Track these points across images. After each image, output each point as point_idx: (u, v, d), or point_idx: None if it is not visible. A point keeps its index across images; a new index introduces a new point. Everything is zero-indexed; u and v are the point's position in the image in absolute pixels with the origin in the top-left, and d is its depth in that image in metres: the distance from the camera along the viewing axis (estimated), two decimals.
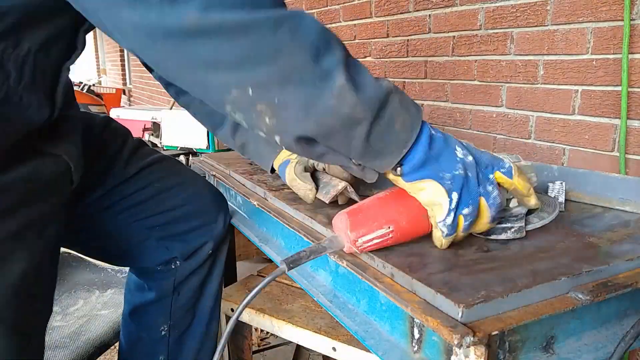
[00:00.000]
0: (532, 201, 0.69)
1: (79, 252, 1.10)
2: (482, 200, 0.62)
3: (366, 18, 2.31)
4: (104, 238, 0.98)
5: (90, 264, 1.45)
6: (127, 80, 7.89)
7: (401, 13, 2.07)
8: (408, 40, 2.05)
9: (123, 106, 6.10)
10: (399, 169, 0.61)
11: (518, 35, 1.57)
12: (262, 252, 1.00)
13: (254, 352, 1.68)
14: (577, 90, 1.41)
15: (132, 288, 1.05)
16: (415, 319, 0.57)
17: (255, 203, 0.97)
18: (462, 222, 0.62)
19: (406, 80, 2.10)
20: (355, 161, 0.62)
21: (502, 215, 0.68)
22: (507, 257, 0.63)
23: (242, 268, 1.65)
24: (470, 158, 0.62)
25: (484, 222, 0.64)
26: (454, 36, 1.81)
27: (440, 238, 0.63)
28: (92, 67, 10.16)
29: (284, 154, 0.94)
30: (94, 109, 5.36)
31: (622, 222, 0.78)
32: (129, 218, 0.96)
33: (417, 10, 1.98)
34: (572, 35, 1.41)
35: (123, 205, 0.95)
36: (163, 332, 1.01)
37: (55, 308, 1.22)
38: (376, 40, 2.26)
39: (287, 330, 1.06)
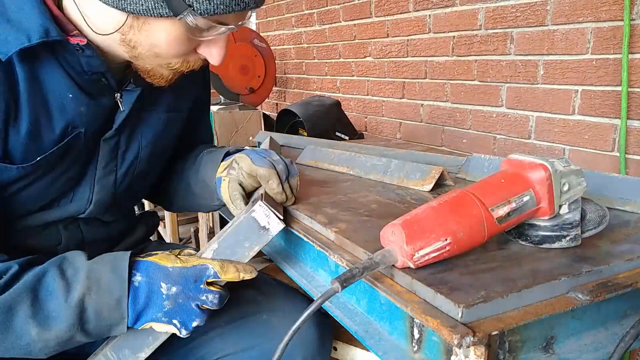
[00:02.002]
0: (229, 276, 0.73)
1: None
2: (205, 305, 0.72)
3: (366, 18, 2.31)
4: None
5: None
6: None
7: (401, 13, 2.07)
8: (408, 40, 2.05)
9: None
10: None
11: (518, 35, 1.57)
12: (262, 252, 1.00)
13: None
14: (577, 90, 1.41)
15: None
16: (415, 319, 0.57)
17: None
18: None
19: (406, 80, 2.10)
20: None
21: (554, 223, 0.66)
22: (507, 257, 0.63)
23: None
24: (174, 289, 0.70)
25: None
26: (454, 36, 1.81)
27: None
28: None
29: (220, 169, 0.89)
30: None
31: (622, 222, 0.78)
32: None
33: (417, 10, 1.98)
34: (572, 35, 1.41)
35: None
36: None
37: None
38: (376, 40, 2.26)
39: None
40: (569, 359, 0.59)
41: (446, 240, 0.58)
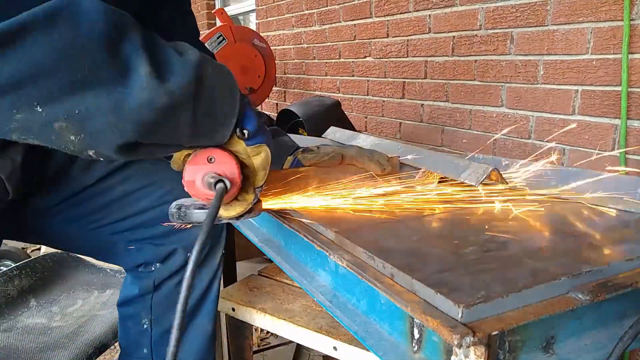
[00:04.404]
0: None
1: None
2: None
3: (366, 18, 2.31)
4: (66, 242, 0.97)
5: (88, 264, 1.45)
6: None
7: (401, 13, 2.07)
8: (408, 40, 2.05)
9: None
10: (245, 131, 0.59)
11: (518, 35, 1.57)
12: (262, 252, 1.00)
13: (254, 352, 1.68)
14: (577, 90, 1.41)
15: (127, 279, 1.06)
16: (415, 319, 0.57)
17: None
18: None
19: (406, 80, 2.10)
20: (186, 145, 0.57)
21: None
22: (507, 257, 0.63)
23: (242, 268, 1.65)
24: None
25: None
26: (454, 36, 1.81)
27: (249, 203, 0.63)
28: None
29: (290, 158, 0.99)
30: None
31: (621, 222, 0.78)
32: (87, 225, 0.93)
33: (417, 10, 1.98)
34: (572, 35, 1.40)
35: (76, 213, 0.91)
36: (145, 326, 1.01)
37: (53, 308, 1.23)
38: (376, 40, 2.26)
39: (288, 330, 1.06)
40: (569, 359, 0.59)
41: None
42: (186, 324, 1.03)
